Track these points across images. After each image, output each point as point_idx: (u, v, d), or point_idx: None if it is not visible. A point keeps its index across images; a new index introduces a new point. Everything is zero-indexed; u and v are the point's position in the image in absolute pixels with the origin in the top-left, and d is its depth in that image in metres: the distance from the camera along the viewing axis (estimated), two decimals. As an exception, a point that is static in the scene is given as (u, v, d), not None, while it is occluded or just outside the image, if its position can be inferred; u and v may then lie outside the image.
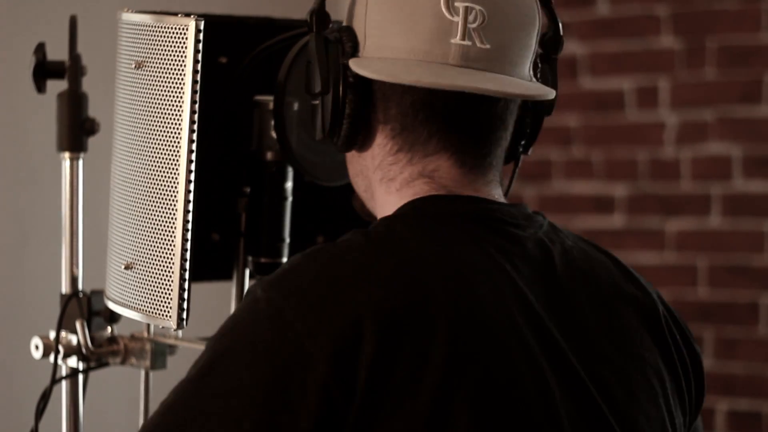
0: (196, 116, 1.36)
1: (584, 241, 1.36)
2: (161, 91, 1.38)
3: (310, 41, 1.30)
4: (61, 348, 1.63)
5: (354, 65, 1.27)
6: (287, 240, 1.59)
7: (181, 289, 1.37)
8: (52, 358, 1.63)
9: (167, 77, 1.37)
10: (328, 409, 1.12)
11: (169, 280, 1.38)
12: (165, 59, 1.37)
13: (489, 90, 1.25)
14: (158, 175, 1.38)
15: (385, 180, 1.31)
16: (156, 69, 1.38)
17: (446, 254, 1.23)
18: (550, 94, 1.29)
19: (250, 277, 1.62)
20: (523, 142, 1.36)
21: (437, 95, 1.26)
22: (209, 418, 1.14)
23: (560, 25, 1.36)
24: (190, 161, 1.36)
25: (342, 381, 1.13)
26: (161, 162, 1.38)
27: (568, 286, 1.28)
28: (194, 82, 1.35)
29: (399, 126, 1.28)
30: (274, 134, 1.52)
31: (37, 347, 1.65)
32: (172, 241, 1.37)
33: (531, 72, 1.31)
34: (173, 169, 1.37)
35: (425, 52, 1.25)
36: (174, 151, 1.37)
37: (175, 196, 1.37)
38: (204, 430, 1.13)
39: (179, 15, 1.37)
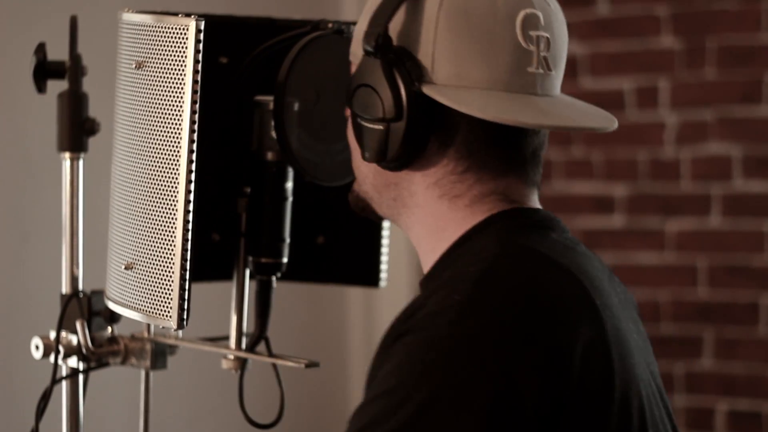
0: (196, 116, 1.36)
1: None
2: (161, 91, 1.38)
3: (366, 65, 1.29)
4: (61, 348, 1.63)
5: (437, 95, 1.27)
6: (287, 240, 1.59)
7: (182, 289, 1.37)
8: (52, 358, 1.63)
9: (168, 77, 1.37)
10: None
11: (169, 281, 1.38)
12: (165, 59, 1.37)
13: (594, 128, 1.31)
14: (158, 175, 1.38)
15: (449, 197, 1.31)
16: (156, 69, 1.38)
17: (576, 266, 1.26)
18: (615, 123, 1.33)
19: (251, 277, 1.62)
20: None
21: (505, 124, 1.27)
22: None
23: None
24: (190, 161, 1.36)
25: (551, 406, 1.14)
26: (161, 162, 1.38)
27: (611, 283, 1.34)
28: (194, 82, 1.35)
29: (466, 149, 1.30)
30: (274, 134, 1.52)
31: (37, 347, 1.64)
32: (173, 241, 1.37)
33: None
34: (173, 169, 1.37)
35: (506, 83, 1.27)
36: (174, 151, 1.37)
37: (175, 196, 1.37)
38: None
39: (179, 15, 1.37)
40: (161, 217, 1.38)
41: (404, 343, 1.17)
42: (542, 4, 1.30)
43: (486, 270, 1.22)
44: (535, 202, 1.35)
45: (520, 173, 1.32)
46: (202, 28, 1.35)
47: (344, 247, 1.73)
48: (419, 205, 1.34)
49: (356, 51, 1.34)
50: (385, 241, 1.72)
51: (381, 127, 1.28)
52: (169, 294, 1.38)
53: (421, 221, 1.34)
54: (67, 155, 1.67)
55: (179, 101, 1.36)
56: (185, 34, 1.36)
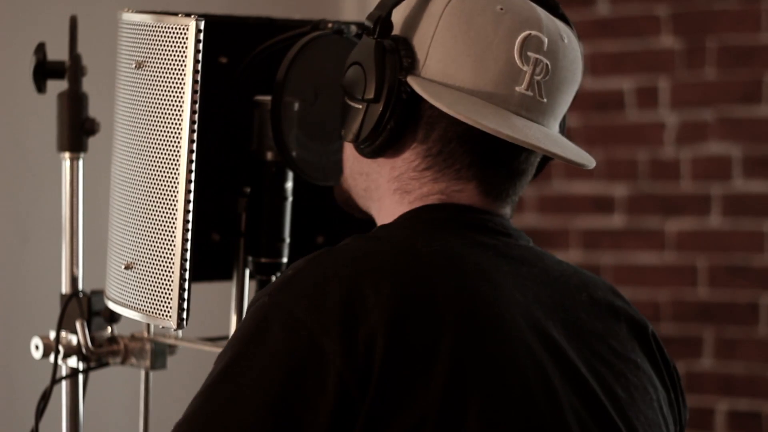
0: (196, 116, 1.36)
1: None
2: (161, 91, 1.38)
3: (363, 45, 1.30)
4: (61, 348, 1.63)
5: (418, 86, 1.27)
6: (287, 240, 1.59)
7: (181, 289, 1.37)
8: (52, 358, 1.63)
9: (167, 77, 1.37)
10: (344, 404, 1.14)
11: (169, 280, 1.38)
12: (165, 59, 1.37)
13: (557, 155, 1.27)
14: (158, 175, 1.38)
15: (400, 191, 1.32)
16: (156, 69, 1.38)
17: (447, 253, 1.25)
18: (593, 163, 1.32)
19: (250, 277, 1.62)
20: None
21: (486, 135, 1.26)
22: (228, 424, 1.14)
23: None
24: (190, 161, 1.36)
25: (357, 375, 1.14)
26: (161, 162, 1.38)
27: (563, 291, 1.31)
28: (194, 82, 1.35)
29: (436, 149, 1.30)
30: (273, 134, 1.52)
31: (37, 347, 1.64)
32: (172, 241, 1.37)
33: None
34: (173, 169, 1.37)
35: (489, 93, 1.27)
36: (174, 151, 1.37)
37: (175, 196, 1.37)
38: None
39: (179, 15, 1.37)
40: (161, 216, 1.38)
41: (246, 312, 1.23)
42: (553, 35, 1.30)
43: (327, 248, 1.24)
44: (494, 211, 1.33)
45: (484, 184, 1.31)
46: (202, 27, 1.35)
47: (344, 247, 1.73)
48: (380, 199, 1.35)
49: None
50: (384, 241, 1.72)
51: (360, 106, 1.29)
52: (169, 294, 1.38)
53: (380, 216, 1.36)
54: (67, 155, 1.67)
55: (179, 101, 1.36)
56: (185, 34, 1.36)
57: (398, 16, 1.31)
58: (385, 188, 1.34)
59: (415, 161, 1.31)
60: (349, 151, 1.37)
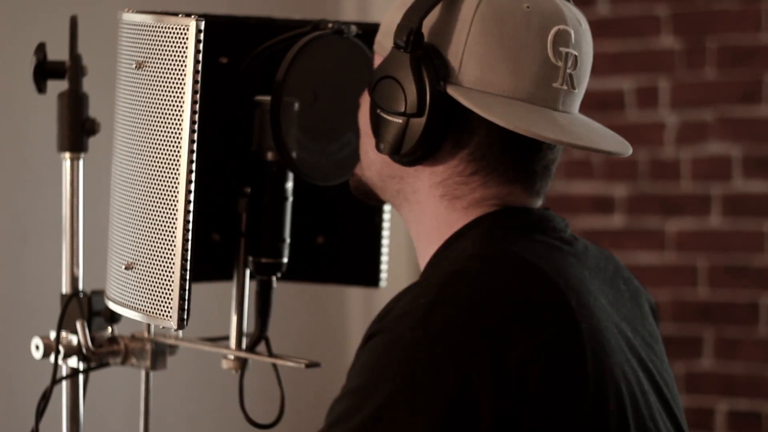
0: (196, 116, 1.36)
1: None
2: (162, 91, 1.38)
3: (394, 58, 1.29)
4: (61, 348, 1.63)
5: (462, 98, 1.27)
6: (288, 240, 1.59)
7: (182, 289, 1.37)
8: (52, 358, 1.63)
9: (168, 77, 1.37)
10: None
11: (169, 281, 1.38)
12: (165, 59, 1.37)
13: (610, 152, 1.31)
14: (159, 175, 1.38)
15: (448, 197, 1.33)
16: (156, 69, 1.38)
17: (554, 268, 1.26)
18: (630, 149, 1.35)
19: (251, 277, 1.62)
20: None
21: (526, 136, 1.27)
22: None
23: None
24: (190, 161, 1.36)
25: (511, 408, 1.14)
26: (162, 162, 1.38)
27: (612, 284, 1.35)
28: (195, 82, 1.35)
29: (479, 153, 1.30)
30: (274, 134, 1.52)
31: (37, 347, 1.64)
32: (173, 241, 1.37)
33: None
34: (174, 169, 1.37)
35: (529, 93, 1.28)
36: (174, 151, 1.37)
37: (175, 196, 1.37)
38: None
39: (180, 15, 1.37)
40: (161, 217, 1.38)
41: (373, 342, 1.19)
42: (574, 23, 1.31)
43: (455, 273, 1.23)
44: (536, 207, 1.36)
45: (527, 183, 1.33)
46: (203, 28, 1.35)
47: (344, 247, 1.73)
48: (420, 202, 1.35)
49: (383, 42, 1.35)
50: (385, 241, 1.72)
51: (400, 120, 1.29)
52: (170, 294, 1.38)
53: (419, 219, 1.36)
54: (67, 155, 1.67)
55: (179, 101, 1.36)
56: (185, 34, 1.36)
57: (424, 23, 1.30)
58: (427, 193, 1.34)
59: (459, 166, 1.31)
60: (376, 156, 1.36)
